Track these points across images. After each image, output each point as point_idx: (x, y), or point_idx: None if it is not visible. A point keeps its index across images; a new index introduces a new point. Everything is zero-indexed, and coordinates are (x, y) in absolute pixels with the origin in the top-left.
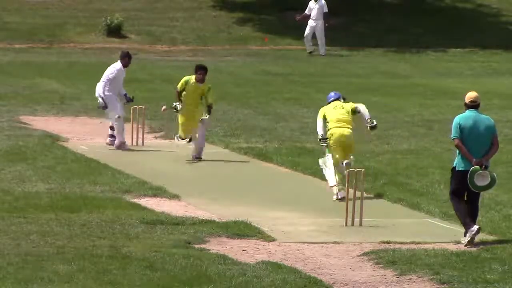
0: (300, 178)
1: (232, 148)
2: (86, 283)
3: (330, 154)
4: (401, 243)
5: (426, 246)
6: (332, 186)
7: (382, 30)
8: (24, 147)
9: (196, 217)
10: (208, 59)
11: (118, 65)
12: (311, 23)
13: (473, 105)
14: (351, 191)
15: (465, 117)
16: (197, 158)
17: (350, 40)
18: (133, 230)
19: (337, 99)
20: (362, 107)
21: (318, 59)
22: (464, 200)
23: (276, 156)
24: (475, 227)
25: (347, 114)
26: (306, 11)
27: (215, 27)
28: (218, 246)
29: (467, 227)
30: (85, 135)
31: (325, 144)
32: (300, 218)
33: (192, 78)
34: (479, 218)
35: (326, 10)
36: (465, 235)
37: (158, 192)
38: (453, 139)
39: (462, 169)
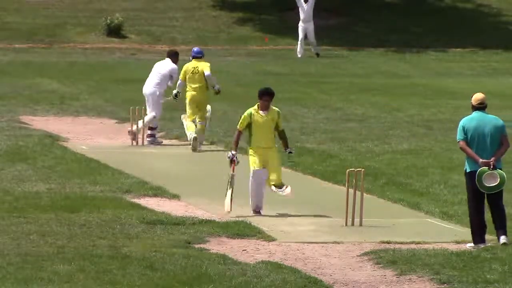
0: (300, 178)
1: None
2: (86, 283)
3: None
4: (401, 243)
5: (426, 246)
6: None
7: (382, 30)
8: (24, 147)
9: (196, 217)
10: (208, 59)
11: (174, 64)
12: (302, 25)
13: (480, 106)
14: (351, 191)
15: (470, 119)
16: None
17: (350, 40)
18: (133, 230)
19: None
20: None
21: (318, 59)
22: (484, 205)
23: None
24: (503, 240)
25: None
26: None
27: (215, 27)
28: (218, 246)
29: (476, 239)
30: (85, 135)
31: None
32: (300, 218)
33: (255, 108)
34: None
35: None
36: (475, 243)
37: (158, 192)
38: (458, 141)
39: (472, 170)
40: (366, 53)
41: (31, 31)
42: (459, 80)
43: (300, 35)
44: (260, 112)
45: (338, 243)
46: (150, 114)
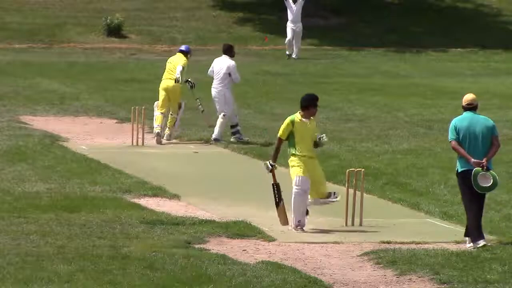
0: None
1: (232, 148)
2: (86, 283)
3: None
4: (401, 243)
5: (426, 246)
6: None
7: (382, 30)
8: (24, 147)
9: (196, 217)
10: (209, 59)
11: (231, 61)
12: (291, 26)
13: (470, 107)
14: (351, 191)
15: (461, 119)
16: None
17: (350, 40)
18: (133, 230)
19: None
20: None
21: (318, 59)
22: (478, 201)
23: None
24: (481, 243)
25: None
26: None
27: (215, 27)
28: (218, 246)
29: (474, 237)
30: (85, 135)
31: None
32: None
33: (298, 116)
34: None
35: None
36: (472, 242)
37: (158, 192)
38: (450, 141)
39: (464, 169)
40: (366, 53)
41: (31, 31)
42: (459, 80)
43: (289, 35)
44: (303, 120)
45: (338, 243)
46: (220, 116)
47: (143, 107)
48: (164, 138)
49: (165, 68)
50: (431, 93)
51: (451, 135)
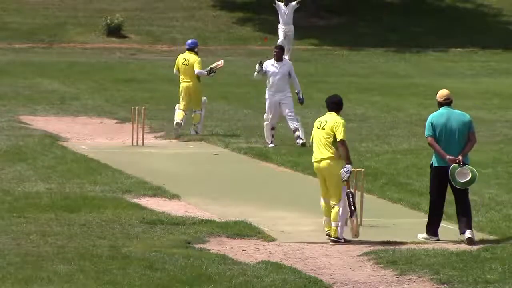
0: (300, 178)
1: (232, 148)
2: (86, 283)
3: None
4: (401, 243)
5: (426, 246)
6: None
7: (382, 30)
8: (24, 147)
9: (196, 217)
10: (208, 59)
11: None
12: (282, 28)
13: (446, 102)
14: None
15: (438, 114)
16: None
17: (350, 40)
18: (133, 230)
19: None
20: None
21: (318, 58)
22: (444, 198)
23: (276, 156)
24: (468, 234)
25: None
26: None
27: (215, 27)
28: (218, 246)
29: (430, 230)
30: (85, 135)
31: None
32: (300, 218)
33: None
34: (479, 218)
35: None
36: (428, 234)
37: (158, 192)
38: (426, 137)
39: (439, 165)
40: (366, 53)
41: (31, 31)
42: (459, 80)
43: (281, 37)
44: None
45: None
46: (297, 119)
47: (143, 107)
48: (193, 133)
49: (174, 64)
50: (431, 93)
51: (427, 132)
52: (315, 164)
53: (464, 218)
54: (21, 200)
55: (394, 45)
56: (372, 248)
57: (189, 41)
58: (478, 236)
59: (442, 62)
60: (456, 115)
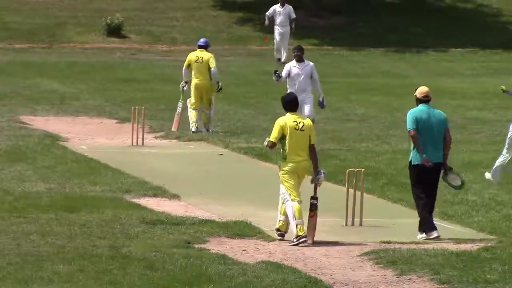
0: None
1: (232, 148)
2: (86, 283)
3: None
4: (401, 243)
5: (426, 246)
6: None
7: (382, 30)
8: (24, 147)
9: (196, 217)
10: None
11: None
12: (278, 28)
13: (426, 99)
14: (351, 191)
15: (419, 110)
16: None
17: (350, 40)
18: (133, 230)
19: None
20: None
21: (319, 59)
22: (430, 194)
23: (276, 156)
24: (435, 234)
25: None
26: (269, 13)
27: (215, 27)
28: (218, 246)
29: (427, 228)
30: (85, 135)
31: None
32: None
33: None
34: (479, 218)
35: (294, 16)
36: (425, 233)
37: (158, 192)
38: (409, 130)
39: (418, 163)
40: (366, 53)
41: (31, 31)
42: (459, 80)
43: (277, 38)
44: None
45: (338, 243)
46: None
47: (143, 107)
48: (204, 132)
49: (189, 64)
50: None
51: (410, 125)
52: (294, 165)
53: (431, 216)
54: (21, 200)
55: (394, 45)
56: (372, 248)
57: (202, 39)
58: (478, 236)
59: (442, 62)
60: (435, 113)
